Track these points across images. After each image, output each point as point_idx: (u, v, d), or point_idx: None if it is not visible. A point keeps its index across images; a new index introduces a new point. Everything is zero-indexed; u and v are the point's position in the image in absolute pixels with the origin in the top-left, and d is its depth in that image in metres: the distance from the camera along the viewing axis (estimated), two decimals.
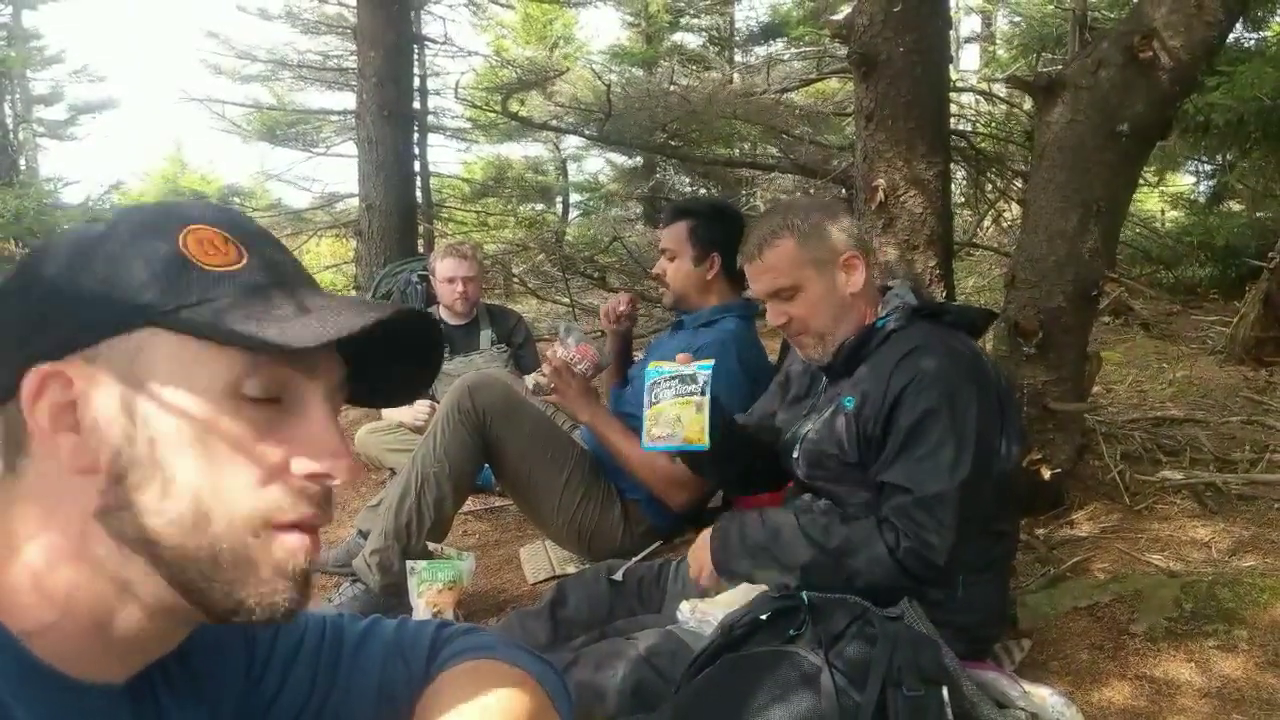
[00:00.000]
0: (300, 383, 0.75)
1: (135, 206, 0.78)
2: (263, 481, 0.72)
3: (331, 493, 0.77)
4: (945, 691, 1.57)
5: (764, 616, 1.76)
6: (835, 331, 2.07)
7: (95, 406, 0.70)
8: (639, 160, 13.69)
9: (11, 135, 17.02)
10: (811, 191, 9.65)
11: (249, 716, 0.88)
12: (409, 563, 2.79)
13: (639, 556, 2.51)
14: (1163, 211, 10.85)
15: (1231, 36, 7.40)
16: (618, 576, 2.30)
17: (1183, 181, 11.17)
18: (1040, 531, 2.94)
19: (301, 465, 0.74)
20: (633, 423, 3.05)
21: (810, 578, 1.87)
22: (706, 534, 2.13)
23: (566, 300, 9.83)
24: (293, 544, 0.74)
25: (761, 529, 2.01)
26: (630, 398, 3.12)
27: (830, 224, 2.06)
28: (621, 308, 3.42)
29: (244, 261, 0.75)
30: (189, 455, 0.70)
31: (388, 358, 0.83)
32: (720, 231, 3.02)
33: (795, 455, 2.14)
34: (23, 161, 17.73)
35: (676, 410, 2.11)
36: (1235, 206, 9.19)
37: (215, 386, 0.71)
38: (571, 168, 16.23)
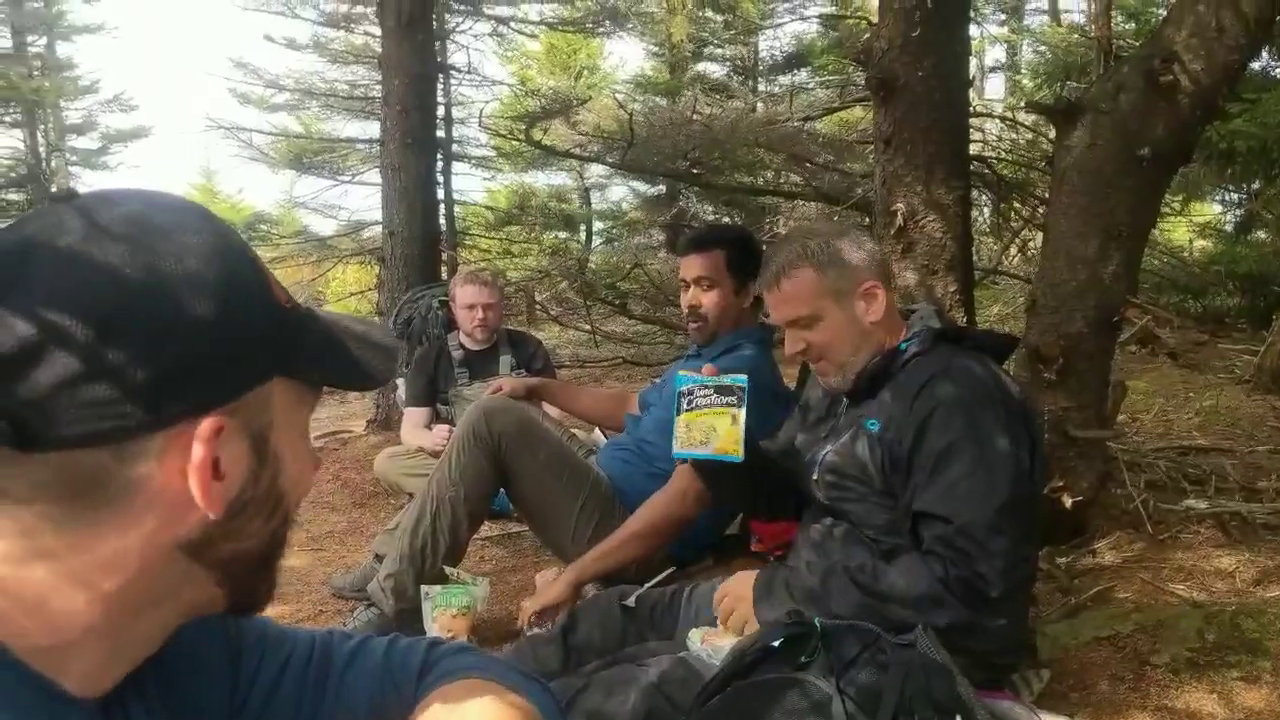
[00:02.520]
0: None
1: (210, 227, 0.74)
2: (308, 484, 0.82)
3: None
4: None
5: (775, 643, 1.73)
6: (854, 360, 2.05)
7: (234, 455, 0.71)
8: (662, 188, 13.77)
9: (45, 164, 17.30)
10: (835, 218, 9.65)
11: None
12: (423, 588, 2.78)
13: (652, 582, 2.48)
14: (1191, 241, 10.80)
15: (1258, 65, 7.40)
16: (630, 602, 2.28)
17: (1211, 210, 11.12)
18: (1062, 560, 2.90)
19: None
20: (651, 449, 3.04)
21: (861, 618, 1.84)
22: (746, 578, 2.05)
23: (588, 327, 9.87)
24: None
25: (808, 575, 1.96)
26: (649, 424, 3.10)
27: (850, 251, 2.04)
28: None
29: (290, 296, 0.78)
30: (293, 482, 0.78)
31: None
32: (751, 261, 2.96)
33: (815, 477, 2.11)
34: (55, 190, 17.98)
35: (712, 420, 2.09)
36: (1263, 235, 9.12)
37: (307, 420, 0.81)
38: (595, 196, 16.36)
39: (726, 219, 12.12)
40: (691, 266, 3.07)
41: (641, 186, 14.62)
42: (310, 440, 0.82)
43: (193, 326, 0.67)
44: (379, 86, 6.93)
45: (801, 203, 10.49)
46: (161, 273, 0.67)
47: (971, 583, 1.78)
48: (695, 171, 10.15)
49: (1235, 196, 9.77)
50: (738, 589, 2.05)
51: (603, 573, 2.72)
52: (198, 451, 0.67)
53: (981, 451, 1.81)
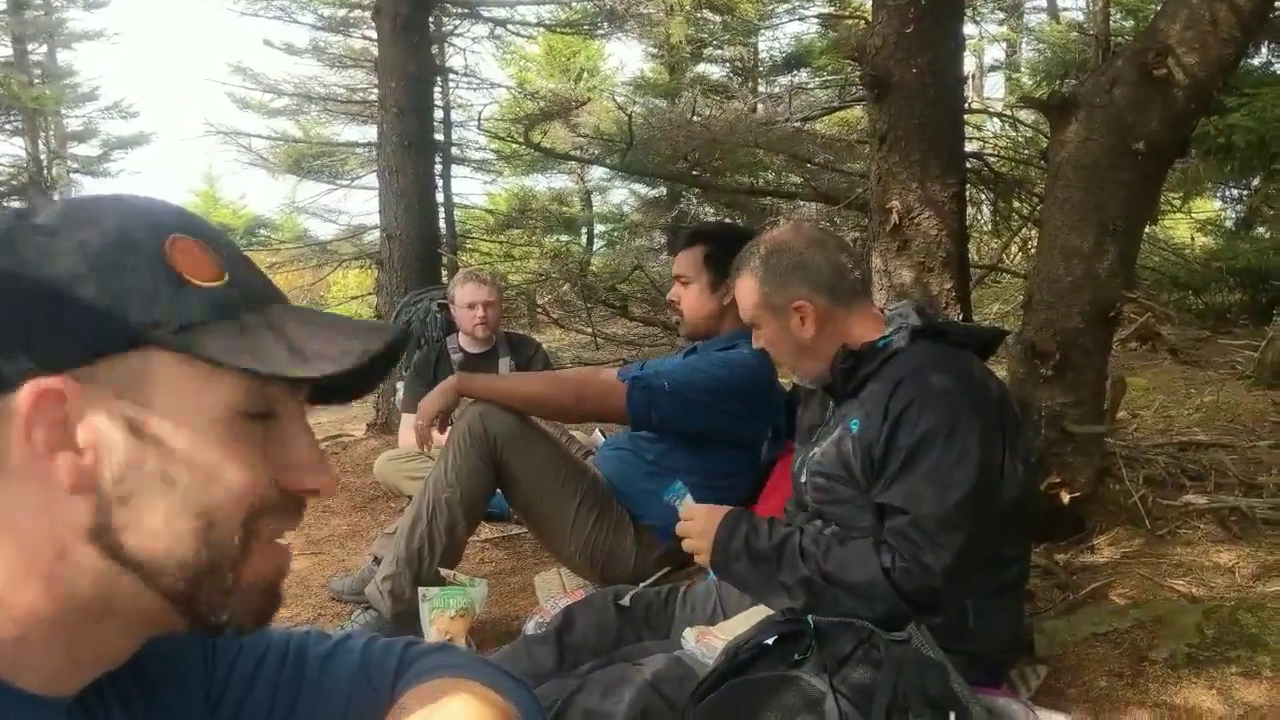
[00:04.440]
0: (286, 398, 0.76)
1: (108, 201, 0.75)
2: (258, 495, 0.73)
3: (305, 504, 0.79)
4: (953, 717, 1.54)
5: (769, 641, 1.72)
6: (799, 366, 2.12)
7: (95, 426, 0.68)
8: (662, 190, 13.77)
9: (46, 171, 17.32)
10: (834, 218, 9.65)
11: None
12: (421, 589, 2.77)
13: (648, 582, 2.48)
14: (1192, 237, 10.79)
15: (1259, 60, 7.40)
16: (625, 601, 2.27)
17: (1211, 207, 11.11)
18: (1060, 557, 2.89)
19: (288, 478, 0.76)
20: (644, 444, 3.04)
21: (803, 596, 1.84)
22: (717, 518, 2.06)
23: (589, 330, 9.87)
24: (273, 553, 0.76)
25: (768, 538, 1.97)
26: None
27: (796, 269, 2.03)
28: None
29: (226, 276, 0.74)
30: (197, 475, 0.70)
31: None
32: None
33: (803, 480, 2.11)
34: (57, 197, 18.03)
35: None
36: (1264, 231, 9.12)
37: (220, 408, 0.71)
38: (596, 199, 16.38)
39: (727, 220, 12.12)
40: (675, 264, 3.11)
41: (642, 189, 14.63)
42: (241, 445, 0.73)
43: (32, 290, 0.67)
44: (377, 90, 6.93)
45: (801, 203, 10.49)
46: (15, 239, 0.69)
47: (915, 575, 1.77)
48: (695, 173, 10.14)
49: (1236, 192, 9.76)
50: (703, 524, 2.07)
51: (492, 394, 2.85)
52: (18, 412, 0.66)
53: (949, 447, 1.80)
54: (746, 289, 2.09)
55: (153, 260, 0.71)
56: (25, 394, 0.66)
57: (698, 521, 2.09)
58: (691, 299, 3.03)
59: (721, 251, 2.98)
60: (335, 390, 0.82)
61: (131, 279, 0.70)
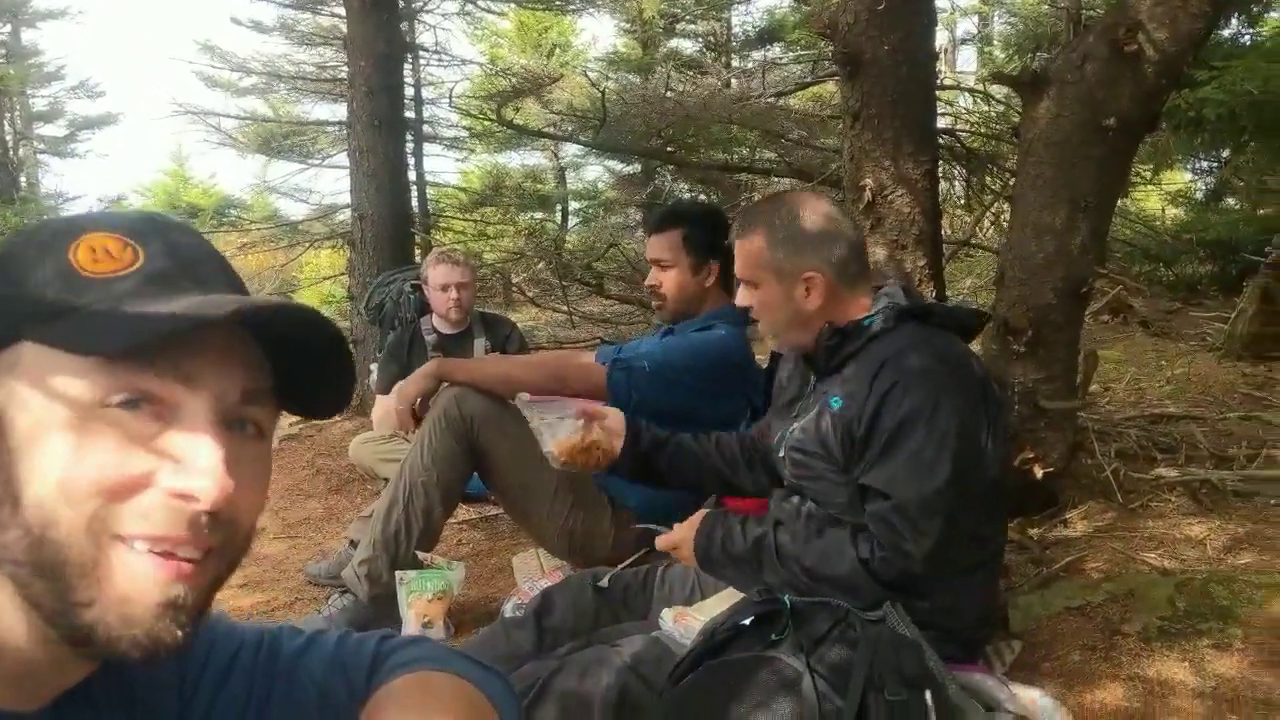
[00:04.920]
0: (178, 394, 0.71)
1: (41, 222, 0.76)
2: (120, 490, 0.67)
3: (219, 519, 0.70)
4: (929, 695, 1.55)
5: (746, 621, 1.73)
6: (784, 336, 2.09)
7: None
8: (637, 167, 13.70)
9: (12, 152, 17.08)
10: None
11: None
12: (398, 573, 2.77)
13: (625, 563, 2.48)
14: (1163, 210, 10.86)
15: (1228, 32, 7.43)
16: (604, 583, 2.27)
17: (1182, 179, 11.18)
18: (1034, 531, 2.92)
19: (167, 479, 0.69)
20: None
21: (790, 591, 1.86)
22: (696, 520, 2.13)
23: (565, 309, 9.84)
24: (146, 567, 0.68)
25: (743, 540, 1.99)
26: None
27: (810, 234, 2.01)
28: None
29: (137, 264, 0.72)
30: (44, 464, 0.67)
31: (295, 366, 0.79)
32: (717, 236, 2.92)
33: (782, 455, 2.12)
34: (23, 178, 17.81)
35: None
36: (1234, 203, 9.19)
37: (78, 396, 0.67)
38: (570, 176, 16.27)
39: (702, 197, 12.08)
40: (651, 247, 3.07)
41: (617, 165, 14.54)
42: (127, 439, 0.68)
43: None
44: (346, 68, 6.85)
45: (776, 179, 10.47)
46: None
47: (895, 562, 1.80)
48: (670, 149, 10.10)
49: (1206, 164, 9.83)
50: (681, 534, 2.14)
51: (473, 379, 2.86)
52: None
53: (932, 429, 1.81)
54: (753, 247, 2.04)
55: (53, 259, 0.71)
56: None
57: (675, 533, 2.16)
58: (674, 283, 3.01)
59: (699, 232, 2.97)
60: (304, 399, 0.81)
61: (29, 278, 0.70)
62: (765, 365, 3.01)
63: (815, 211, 2.06)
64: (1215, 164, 9.42)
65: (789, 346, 2.13)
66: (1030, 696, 1.85)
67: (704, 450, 2.43)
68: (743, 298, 2.12)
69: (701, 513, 2.16)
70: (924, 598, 1.84)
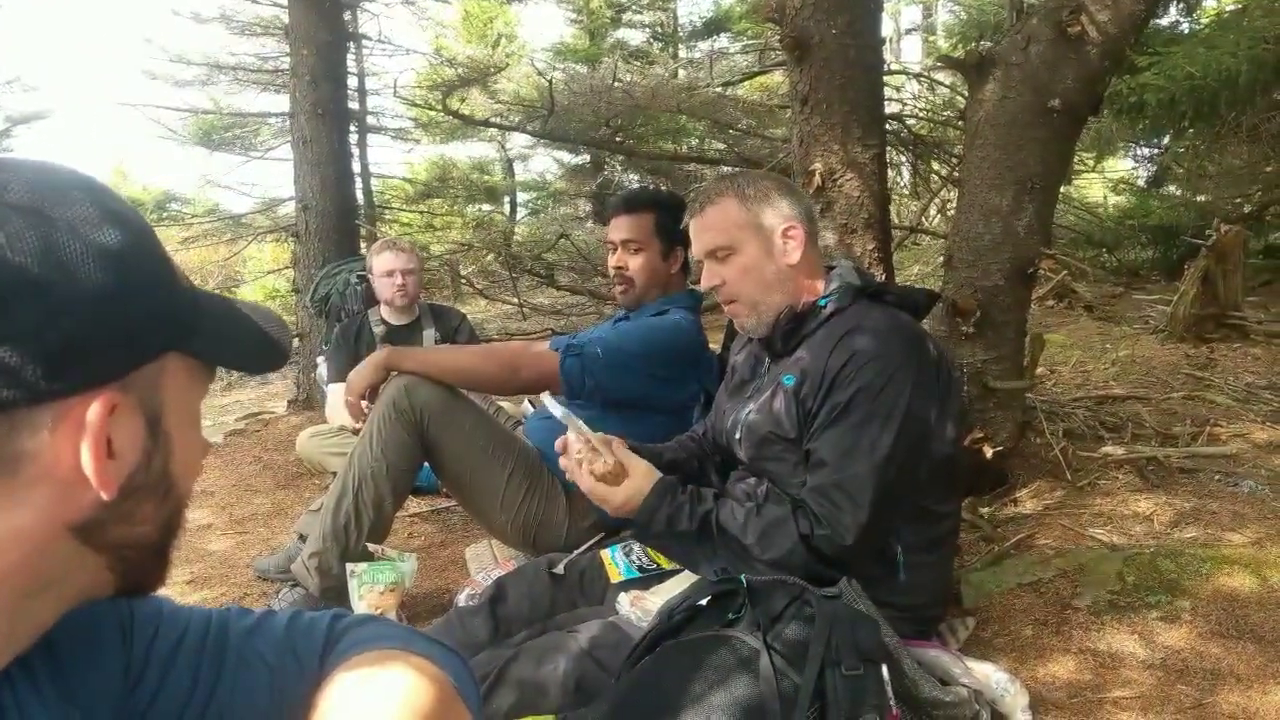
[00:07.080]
0: None
1: (66, 177, 0.71)
2: (198, 471, 0.79)
3: None
4: (885, 670, 1.55)
5: (703, 602, 1.73)
6: (767, 301, 2.05)
7: (127, 431, 0.69)
8: (586, 157, 13.68)
9: None
10: None
11: (127, 718, 0.83)
12: (349, 565, 2.72)
13: (581, 549, 2.47)
14: (1105, 197, 11.02)
15: (1167, 21, 7.55)
16: (559, 570, 2.26)
17: (1123, 166, 11.35)
18: (985, 510, 2.94)
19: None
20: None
21: (727, 569, 1.85)
22: (642, 490, 2.00)
23: (515, 300, 9.78)
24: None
25: (688, 520, 1.95)
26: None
27: (778, 194, 2.05)
28: None
29: (180, 273, 0.76)
30: (187, 467, 0.76)
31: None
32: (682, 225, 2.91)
33: (738, 436, 2.11)
34: None
35: None
36: (1174, 189, 9.35)
37: (198, 401, 0.78)
38: (518, 167, 16.20)
39: (652, 187, 12.08)
40: (619, 228, 3.00)
41: (565, 156, 14.51)
42: (201, 426, 0.80)
43: (87, 299, 0.65)
44: (288, 58, 6.73)
45: (725, 168, 10.48)
46: (56, 245, 0.65)
47: (831, 540, 1.81)
48: (618, 139, 10.07)
49: (1147, 151, 9.99)
50: (625, 495, 2.01)
51: (425, 368, 2.80)
52: (92, 426, 0.66)
53: (878, 404, 1.82)
54: (726, 211, 2.05)
55: (156, 264, 0.73)
56: (99, 408, 0.66)
57: (619, 491, 2.03)
58: (644, 266, 2.96)
59: (669, 220, 2.94)
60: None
61: (152, 288, 0.71)
62: (718, 351, 3.03)
63: (771, 176, 2.12)
64: (1156, 150, 9.58)
65: (760, 323, 2.07)
66: (985, 671, 1.86)
67: (689, 452, 2.40)
68: (712, 274, 2.08)
69: (647, 479, 2.02)
70: (875, 576, 1.85)
